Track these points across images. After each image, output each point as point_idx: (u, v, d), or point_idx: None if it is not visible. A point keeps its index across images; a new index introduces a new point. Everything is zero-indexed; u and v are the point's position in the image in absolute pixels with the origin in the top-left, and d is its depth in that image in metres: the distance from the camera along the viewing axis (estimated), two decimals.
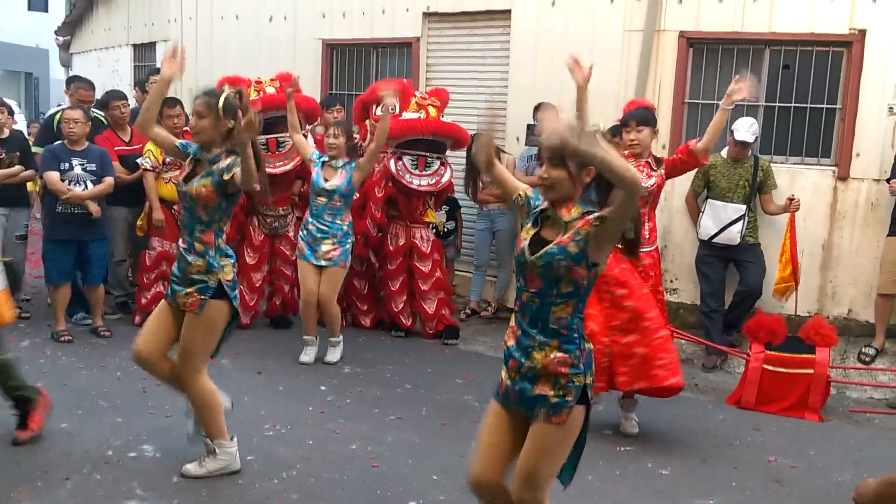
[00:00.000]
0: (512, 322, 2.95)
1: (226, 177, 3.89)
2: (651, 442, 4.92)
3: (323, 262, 6.01)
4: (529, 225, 2.93)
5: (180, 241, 4.06)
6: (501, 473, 2.99)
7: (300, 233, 6.20)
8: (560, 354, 2.81)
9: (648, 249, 5.00)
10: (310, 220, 6.08)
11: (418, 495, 4.02)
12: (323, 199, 6.02)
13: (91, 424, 4.72)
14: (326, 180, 6.02)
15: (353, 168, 6.04)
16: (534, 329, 2.84)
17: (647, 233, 4.94)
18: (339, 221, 6.04)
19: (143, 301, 6.79)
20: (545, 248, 2.80)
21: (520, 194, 3.02)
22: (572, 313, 2.82)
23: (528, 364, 2.84)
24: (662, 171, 4.96)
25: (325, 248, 6.01)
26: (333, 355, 6.16)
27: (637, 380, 4.73)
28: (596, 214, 2.75)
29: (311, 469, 4.26)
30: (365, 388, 5.64)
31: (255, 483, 4.06)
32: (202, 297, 3.94)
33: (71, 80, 8.05)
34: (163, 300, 4.17)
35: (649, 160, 4.94)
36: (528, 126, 7.09)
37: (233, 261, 4.06)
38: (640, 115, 4.87)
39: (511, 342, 2.92)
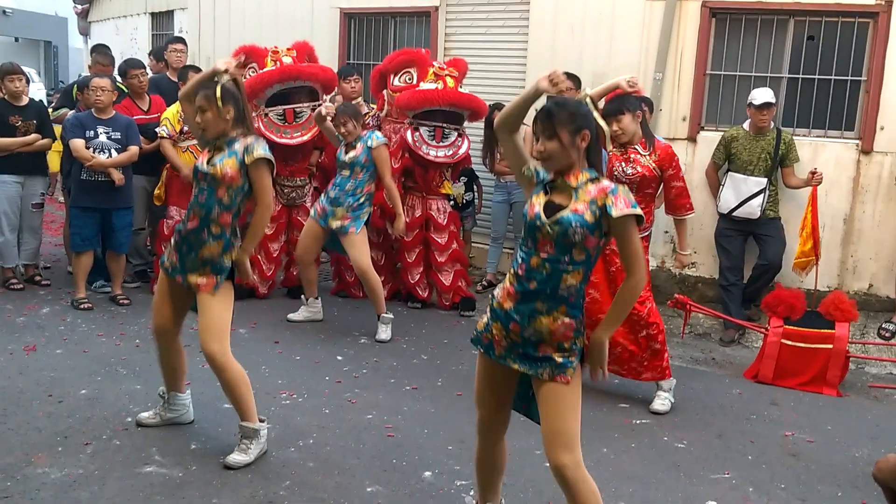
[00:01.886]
0: (508, 284, 2.96)
1: (247, 159, 3.89)
2: (667, 416, 4.91)
3: (333, 226, 6.06)
4: (541, 193, 2.94)
5: (188, 222, 3.98)
6: (504, 421, 3.21)
7: (321, 196, 6.23)
8: (567, 320, 2.86)
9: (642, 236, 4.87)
10: (333, 187, 6.13)
11: (433, 465, 4.04)
12: (346, 171, 6.08)
13: (110, 391, 4.77)
14: (347, 153, 6.05)
15: (367, 138, 6.07)
16: (541, 294, 2.85)
17: None
18: (358, 192, 6.06)
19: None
20: (561, 213, 2.82)
21: (528, 166, 3.02)
22: (581, 280, 2.86)
23: (532, 328, 2.87)
24: (655, 159, 4.82)
25: (338, 214, 6.05)
26: (384, 332, 6.09)
27: (650, 370, 4.93)
28: (612, 207, 2.78)
29: (327, 438, 4.29)
30: (381, 359, 5.66)
31: (272, 451, 4.08)
32: (217, 277, 3.94)
33: (93, 50, 8.07)
34: (161, 274, 4.15)
35: (638, 145, 4.83)
36: (549, 97, 7.00)
37: (238, 243, 4.06)
38: (612, 108, 4.77)
39: (509, 304, 2.92)
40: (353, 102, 6.78)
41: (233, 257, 3.96)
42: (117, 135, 6.38)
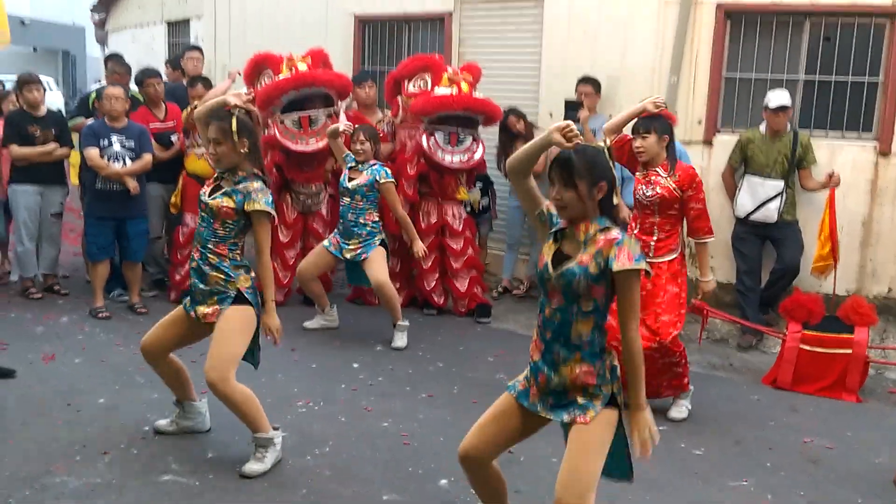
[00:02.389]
0: (535, 336, 3.01)
1: (247, 206, 3.92)
2: (684, 422, 4.88)
3: (347, 258, 6.11)
4: (551, 241, 2.96)
5: (194, 253, 4.06)
6: (492, 455, 3.15)
7: (336, 230, 6.27)
8: (585, 367, 2.88)
9: (667, 259, 4.80)
10: (341, 217, 6.17)
11: (449, 472, 4.03)
12: (347, 199, 6.09)
13: (128, 400, 4.80)
14: (351, 179, 6.07)
15: (377, 172, 6.05)
16: (556, 343, 2.90)
17: (653, 242, 4.78)
18: (362, 220, 6.06)
19: (178, 277, 6.87)
20: (566, 266, 2.85)
21: (542, 210, 3.02)
22: (592, 328, 2.88)
23: (556, 379, 2.91)
24: (675, 181, 4.73)
25: (350, 246, 6.09)
26: (399, 340, 6.11)
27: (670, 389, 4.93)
28: (614, 260, 2.78)
29: (343, 446, 4.30)
30: (397, 366, 5.66)
31: (289, 459, 4.10)
32: (221, 306, 3.98)
33: (108, 59, 8.13)
34: (179, 306, 4.18)
35: (659, 168, 4.78)
36: (567, 102, 6.99)
37: (249, 271, 4.07)
38: (644, 124, 4.74)
39: (537, 356, 2.98)
40: (368, 106, 6.81)
41: (237, 287, 3.99)
42: (131, 143, 6.42)
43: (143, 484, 3.80)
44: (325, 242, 6.27)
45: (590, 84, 6.96)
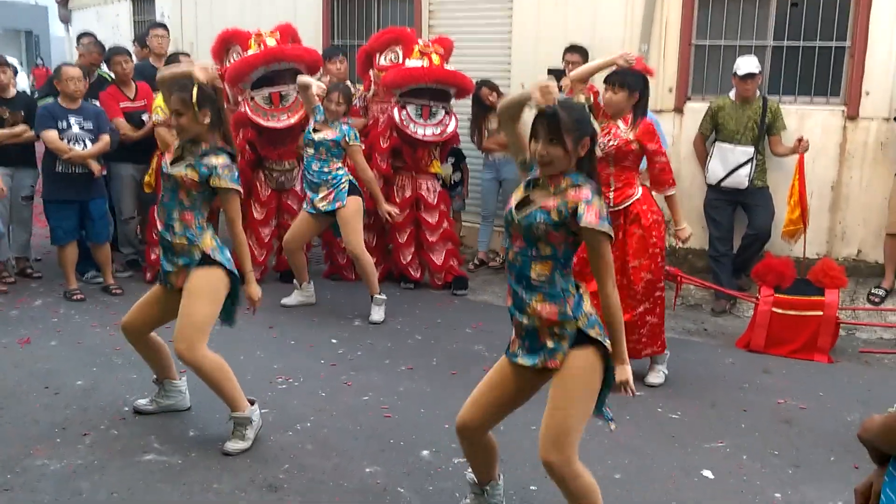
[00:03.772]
0: (507, 282, 3.05)
1: (212, 181, 3.89)
2: (661, 387, 4.95)
3: (320, 208, 6.07)
4: (521, 188, 2.99)
5: (157, 224, 4.03)
6: (489, 425, 3.18)
7: (304, 183, 6.25)
8: (548, 307, 2.90)
9: (626, 205, 4.82)
10: (305, 171, 6.16)
11: (430, 443, 4.07)
12: (311, 150, 6.07)
13: (106, 381, 4.78)
14: (316, 131, 6.03)
15: (346, 132, 6.04)
16: (519, 285, 2.95)
17: (611, 193, 4.81)
18: (326, 169, 6.04)
19: (153, 257, 6.81)
20: (529, 210, 2.88)
21: (525, 158, 3.04)
22: (552, 269, 2.90)
23: (525, 320, 2.95)
24: (633, 135, 4.76)
25: (320, 195, 6.07)
26: (377, 313, 6.11)
27: (649, 345, 4.97)
28: (583, 216, 2.79)
29: (324, 420, 4.32)
30: (375, 340, 5.68)
31: (270, 435, 4.11)
32: (188, 270, 3.96)
33: (81, 37, 7.97)
34: (157, 284, 4.14)
35: (619, 121, 4.79)
36: (550, 70, 6.96)
37: (211, 231, 4.04)
38: (619, 78, 4.76)
39: (510, 301, 3.03)
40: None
41: (201, 249, 3.95)
42: (89, 125, 6.32)
43: (125, 464, 3.80)
44: (304, 205, 6.25)
45: (577, 52, 6.92)
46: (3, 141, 6.51)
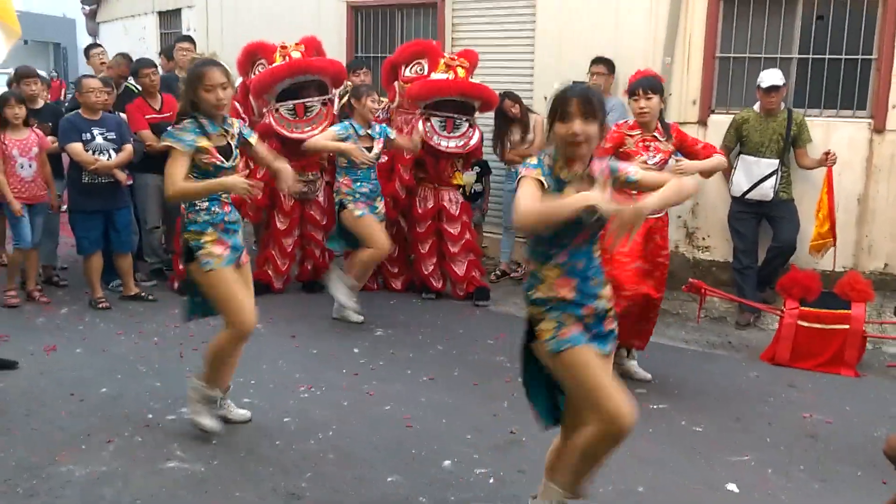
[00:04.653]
0: (558, 277, 2.94)
1: (252, 139, 4.20)
2: (684, 399, 4.92)
3: (380, 217, 6.22)
4: (561, 191, 2.89)
5: (222, 208, 4.10)
6: None
7: (351, 196, 6.10)
8: (606, 289, 3.04)
9: (659, 215, 4.91)
10: (359, 183, 6.09)
11: (452, 454, 4.06)
12: (366, 167, 6.14)
13: (131, 389, 4.81)
14: (370, 150, 6.10)
15: (384, 133, 6.21)
16: (591, 271, 2.96)
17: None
18: (375, 177, 6.24)
19: (181, 267, 6.87)
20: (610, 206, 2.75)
21: (540, 181, 2.90)
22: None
23: (601, 305, 2.99)
24: (672, 144, 4.90)
25: (380, 205, 6.22)
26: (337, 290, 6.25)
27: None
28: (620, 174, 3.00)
29: (346, 430, 4.32)
30: (397, 351, 5.69)
31: (292, 444, 4.12)
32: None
33: (89, 48, 8.25)
34: (226, 269, 4.07)
35: (656, 133, 4.86)
36: (574, 83, 6.94)
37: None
38: (649, 83, 4.79)
39: (572, 294, 2.93)
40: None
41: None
42: (112, 135, 6.39)
43: (149, 471, 3.82)
44: (359, 214, 6.08)
45: (603, 64, 6.93)
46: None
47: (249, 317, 4.05)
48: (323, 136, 6.17)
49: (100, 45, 8.46)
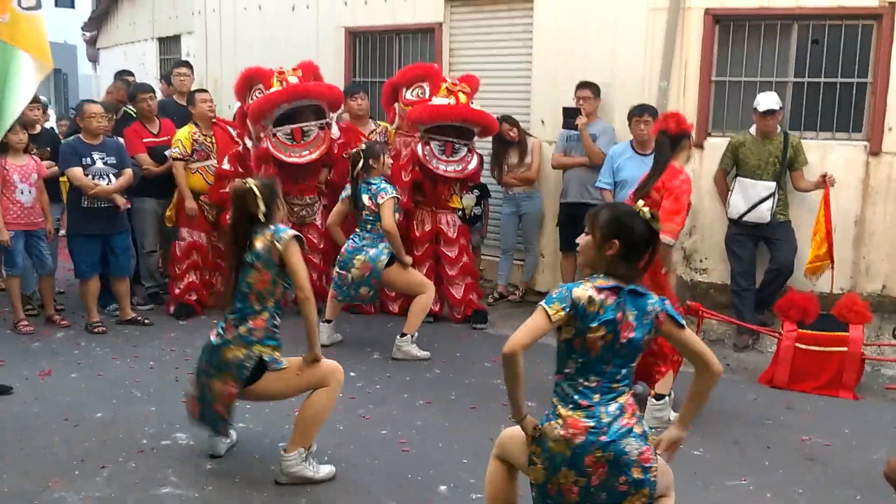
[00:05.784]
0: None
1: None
2: None
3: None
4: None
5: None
6: None
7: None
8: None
9: None
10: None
11: (449, 478, 4.03)
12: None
13: (125, 413, 4.79)
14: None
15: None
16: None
17: None
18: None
19: (177, 291, 6.89)
20: None
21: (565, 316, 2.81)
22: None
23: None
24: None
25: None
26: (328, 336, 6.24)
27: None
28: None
29: (342, 454, 4.29)
30: (394, 374, 5.66)
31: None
32: None
33: (119, 76, 8.40)
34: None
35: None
36: (565, 109, 6.98)
37: None
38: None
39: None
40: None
41: None
42: (112, 159, 6.41)
43: (143, 497, 3.79)
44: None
45: (588, 88, 6.97)
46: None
47: (338, 366, 4.11)
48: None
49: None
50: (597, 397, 2.80)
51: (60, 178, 7.02)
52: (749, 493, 4.00)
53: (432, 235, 6.94)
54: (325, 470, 4.03)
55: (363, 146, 6.12)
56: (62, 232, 7.42)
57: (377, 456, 4.30)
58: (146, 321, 6.64)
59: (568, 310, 2.76)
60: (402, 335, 6.03)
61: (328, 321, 6.24)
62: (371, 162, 5.97)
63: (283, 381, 3.96)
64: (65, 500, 3.74)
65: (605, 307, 2.77)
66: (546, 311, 2.76)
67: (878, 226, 6.46)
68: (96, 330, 6.39)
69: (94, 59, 15.06)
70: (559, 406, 2.84)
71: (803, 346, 5.49)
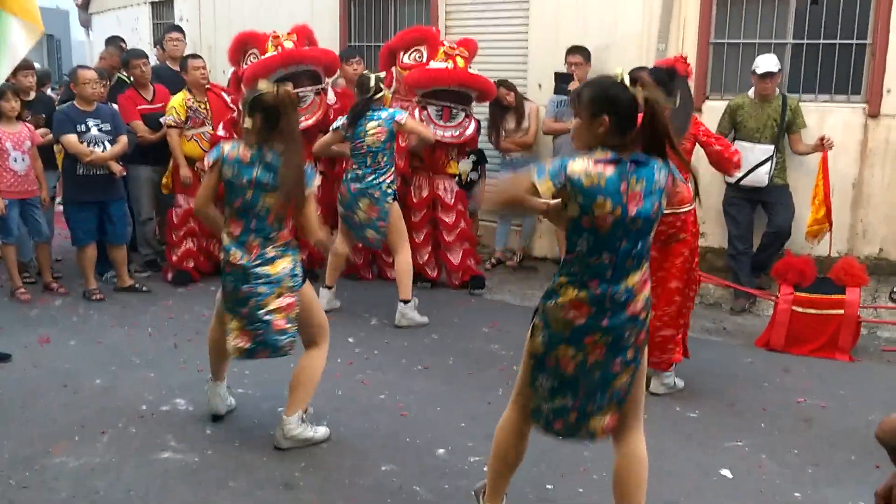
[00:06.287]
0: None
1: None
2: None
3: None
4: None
5: None
6: None
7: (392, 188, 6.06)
8: None
9: (683, 210, 4.74)
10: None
11: (446, 442, 4.06)
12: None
13: (125, 380, 4.81)
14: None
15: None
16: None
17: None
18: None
19: (174, 258, 6.89)
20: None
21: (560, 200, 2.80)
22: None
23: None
24: None
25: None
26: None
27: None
28: None
29: (341, 419, 4.32)
30: (392, 340, 5.68)
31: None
32: None
33: (108, 42, 8.28)
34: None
35: None
36: (557, 74, 6.94)
37: None
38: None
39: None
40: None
41: None
42: (107, 126, 6.35)
43: (143, 462, 3.81)
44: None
45: (579, 53, 6.92)
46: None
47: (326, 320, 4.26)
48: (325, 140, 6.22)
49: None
50: (609, 273, 2.75)
51: (55, 146, 6.99)
52: (745, 455, 4.03)
53: (430, 201, 6.91)
54: (322, 430, 4.08)
55: (370, 73, 6.03)
56: (58, 200, 7.41)
57: (375, 421, 4.32)
58: (144, 288, 6.64)
59: (560, 186, 2.69)
60: (405, 302, 6.02)
61: (329, 287, 6.25)
62: (382, 89, 5.97)
63: (305, 295, 4.07)
64: (66, 465, 3.77)
65: (605, 178, 2.68)
66: (535, 186, 2.69)
67: (876, 188, 6.45)
68: (94, 297, 6.40)
69: (86, 25, 14.87)
70: (567, 286, 2.80)
71: (800, 310, 5.51)
